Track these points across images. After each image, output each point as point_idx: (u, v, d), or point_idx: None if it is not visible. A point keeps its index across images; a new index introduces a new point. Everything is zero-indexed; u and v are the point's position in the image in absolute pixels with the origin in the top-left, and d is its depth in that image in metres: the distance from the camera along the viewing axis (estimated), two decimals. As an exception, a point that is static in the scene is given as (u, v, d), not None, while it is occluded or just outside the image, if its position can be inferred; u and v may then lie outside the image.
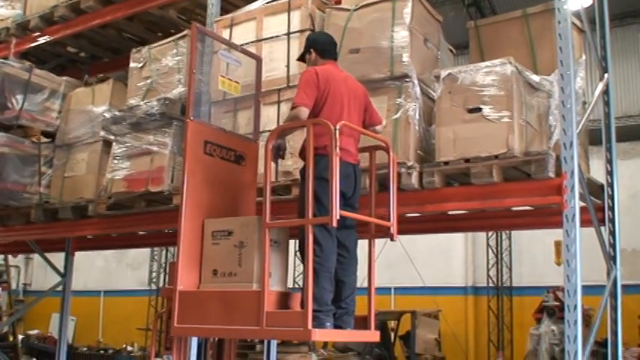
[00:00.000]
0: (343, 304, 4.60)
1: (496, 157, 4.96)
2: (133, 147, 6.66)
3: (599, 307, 5.25)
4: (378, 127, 5.07)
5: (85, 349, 20.64)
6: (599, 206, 5.51)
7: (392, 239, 4.75)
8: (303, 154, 4.63)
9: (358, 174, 4.79)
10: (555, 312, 12.68)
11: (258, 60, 5.87)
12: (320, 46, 5.06)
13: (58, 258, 9.59)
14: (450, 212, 6.14)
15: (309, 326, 4.14)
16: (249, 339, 9.28)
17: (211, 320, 4.60)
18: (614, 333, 5.39)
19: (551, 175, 4.83)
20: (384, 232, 4.75)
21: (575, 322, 4.53)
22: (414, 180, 5.27)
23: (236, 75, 5.85)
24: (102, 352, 20.37)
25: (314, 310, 4.21)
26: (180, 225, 4.82)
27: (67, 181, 7.46)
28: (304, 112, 4.60)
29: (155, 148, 6.49)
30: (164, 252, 21.48)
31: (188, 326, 4.71)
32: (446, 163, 5.20)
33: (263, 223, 4.41)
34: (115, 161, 6.75)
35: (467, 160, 5.09)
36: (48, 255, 9.60)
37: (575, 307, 4.55)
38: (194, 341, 4.99)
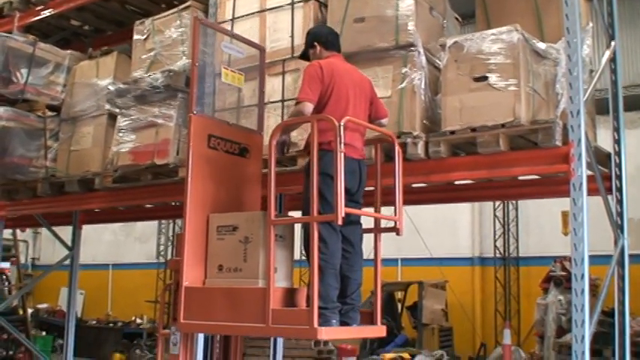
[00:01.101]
0: (349, 299, 4.60)
1: (503, 125, 4.93)
2: (138, 120, 6.66)
3: (606, 276, 5.24)
4: (383, 121, 5.03)
5: (94, 322, 20.82)
6: (606, 175, 5.48)
7: (397, 234, 4.74)
8: (307, 149, 4.58)
9: (363, 169, 4.75)
10: (562, 282, 12.69)
11: (262, 50, 5.79)
12: (323, 38, 5.00)
13: (65, 232, 9.63)
14: (456, 182, 6.12)
15: (315, 324, 4.15)
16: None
17: (217, 317, 4.61)
18: (622, 302, 5.39)
19: (558, 143, 4.80)
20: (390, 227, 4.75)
21: (583, 291, 4.53)
22: (420, 150, 5.25)
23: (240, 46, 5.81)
24: (111, 324, 20.53)
25: (320, 308, 4.22)
26: (185, 221, 4.81)
27: (73, 155, 7.46)
28: (308, 107, 4.56)
29: (160, 121, 6.49)
30: (171, 225, 21.54)
31: (194, 322, 4.72)
32: (452, 132, 5.17)
33: (268, 220, 4.40)
34: (121, 134, 6.75)
35: (473, 130, 5.06)
36: (56, 229, 9.65)
37: (583, 276, 4.55)
38: (200, 337, 4.99)
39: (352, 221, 4.60)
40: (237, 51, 5.65)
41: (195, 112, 4.99)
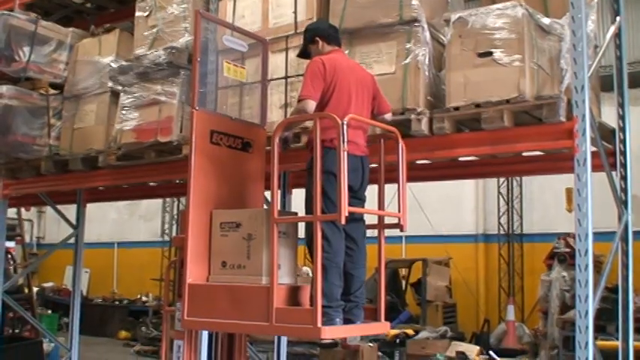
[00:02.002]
0: (352, 297, 4.61)
1: (507, 101, 4.91)
2: (141, 97, 6.64)
3: (610, 252, 5.25)
4: (387, 116, 5.01)
5: (99, 300, 20.95)
6: (610, 151, 5.47)
7: (401, 230, 4.75)
8: (310, 145, 4.56)
9: (366, 166, 4.75)
10: (566, 258, 12.70)
11: (264, 43, 5.75)
12: (324, 33, 4.96)
13: (70, 211, 9.65)
14: (460, 158, 6.11)
15: (319, 324, 4.16)
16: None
17: (221, 314, 4.61)
18: (625, 278, 5.39)
19: (563, 119, 4.79)
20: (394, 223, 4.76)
21: (587, 266, 4.54)
22: (424, 126, 5.23)
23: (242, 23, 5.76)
24: (116, 302, 20.67)
25: (323, 306, 4.22)
26: (188, 217, 4.80)
27: (77, 133, 7.45)
28: (311, 105, 4.54)
29: (163, 98, 6.47)
30: (175, 203, 21.59)
31: (198, 319, 4.73)
32: (456, 108, 5.15)
33: (271, 218, 4.38)
34: (124, 112, 6.74)
35: (477, 105, 5.04)
36: (60, 208, 9.66)
37: (587, 251, 4.55)
38: (205, 333, 4.99)
39: (355, 219, 4.60)
40: (239, 44, 5.59)
41: (197, 108, 4.97)
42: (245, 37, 5.66)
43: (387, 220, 4.84)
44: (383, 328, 4.92)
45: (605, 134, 5.43)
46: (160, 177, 7.34)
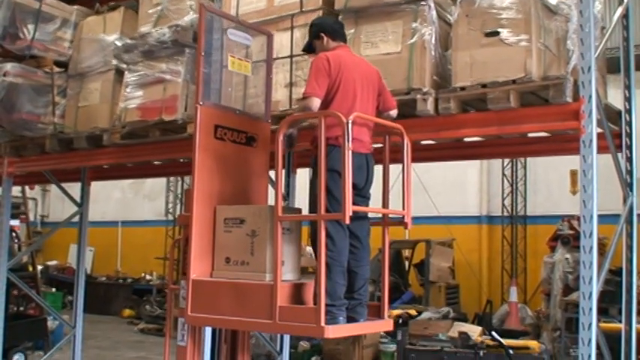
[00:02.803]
0: (356, 294, 4.60)
1: (514, 81, 4.88)
2: (146, 75, 6.60)
3: (614, 234, 5.24)
4: (392, 112, 4.97)
5: (103, 278, 21.05)
6: (616, 133, 5.44)
7: (405, 228, 4.74)
8: (314, 143, 4.53)
9: (371, 163, 4.72)
10: (570, 240, 12.73)
11: (269, 35, 5.71)
12: (330, 28, 4.92)
13: (74, 190, 9.66)
14: (465, 139, 6.10)
15: (322, 323, 4.17)
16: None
17: (224, 311, 4.62)
18: (629, 260, 5.39)
19: (569, 99, 4.76)
20: (398, 221, 4.76)
21: (591, 248, 4.53)
22: (430, 106, 5.20)
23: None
24: (120, 281, 20.78)
25: (327, 305, 4.23)
26: (192, 214, 4.79)
27: (81, 111, 7.43)
28: (316, 102, 4.50)
29: (168, 77, 6.44)
30: (179, 183, 21.62)
31: (201, 315, 4.74)
32: (462, 88, 5.12)
33: (275, 216, 4.37)
34: (128, 90, 6.71)
35: (484, 86, 5.01)
36: (65, 187, 9.66)
37: (591, 233, 4.55)
38: (208, 329, 5.02)
39: (360, 217, 4.58)
40: (244, 37, 5.55)
41: (201, 103, 4.94)
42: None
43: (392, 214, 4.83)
44: (386, 325, 4.92)
45: (612, 116, 5.40)
46: (164, 156, 7.33)
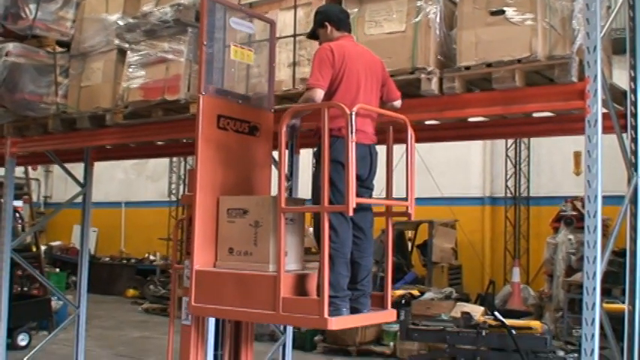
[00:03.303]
0: (359, 285, 4.60)
1: (519, 61, 4.84)
2: (148, 55, 6.57)
3: (619, 214, 5.22)
4: (396, 103, 4.95)
5: (107, 258, 21.13)
6: (621, 113, 5.41)
7: (409, 219, 4.74)
8: (317, 134, 4.50)
9: (374, 154, 4.70)
10: (573, 221, 12.74)
11: (272, 24, 5.65)
12: (335, 17, 4.87)
13: (77, 170, 9.66)
14: (470, 119, 6.07)
15: (326, 314, 4.17)
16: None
17: (228, 302, 4.61)
18: (634, 240, 5.37)
19: (574, 79, 4.73)
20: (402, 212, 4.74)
21: (595, 228, 4.52)
22: (434, 86, 5.17)
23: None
24: (124, 261, 20.86)
25: (330, 297, 4.22)
26: (195, 204, 4.77)
27: (84, 91, 7.41)
28: (319, 93, 4.48)
29: (170, 56, 6.40)
30: (182, 163, 21.63)
31: (205, 306, 4.73)
32: (467, 67, 5.08)
33: (278, 207, 4.35)
34: (131, 70, 6.68)
35: (489, 65, 4.97)
36: (68, 167, 9.65)
37: (596, 213, 4.53)
38: (212, 319, 5.01)
39: (363, 208, 4.56)
40: (247, 26, 5.50)
41: (203, 93, 4.91)
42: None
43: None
44: (390, 316, 4.91)
45: (617, 96, 5.37)
46: (167, 136, 7.31)
